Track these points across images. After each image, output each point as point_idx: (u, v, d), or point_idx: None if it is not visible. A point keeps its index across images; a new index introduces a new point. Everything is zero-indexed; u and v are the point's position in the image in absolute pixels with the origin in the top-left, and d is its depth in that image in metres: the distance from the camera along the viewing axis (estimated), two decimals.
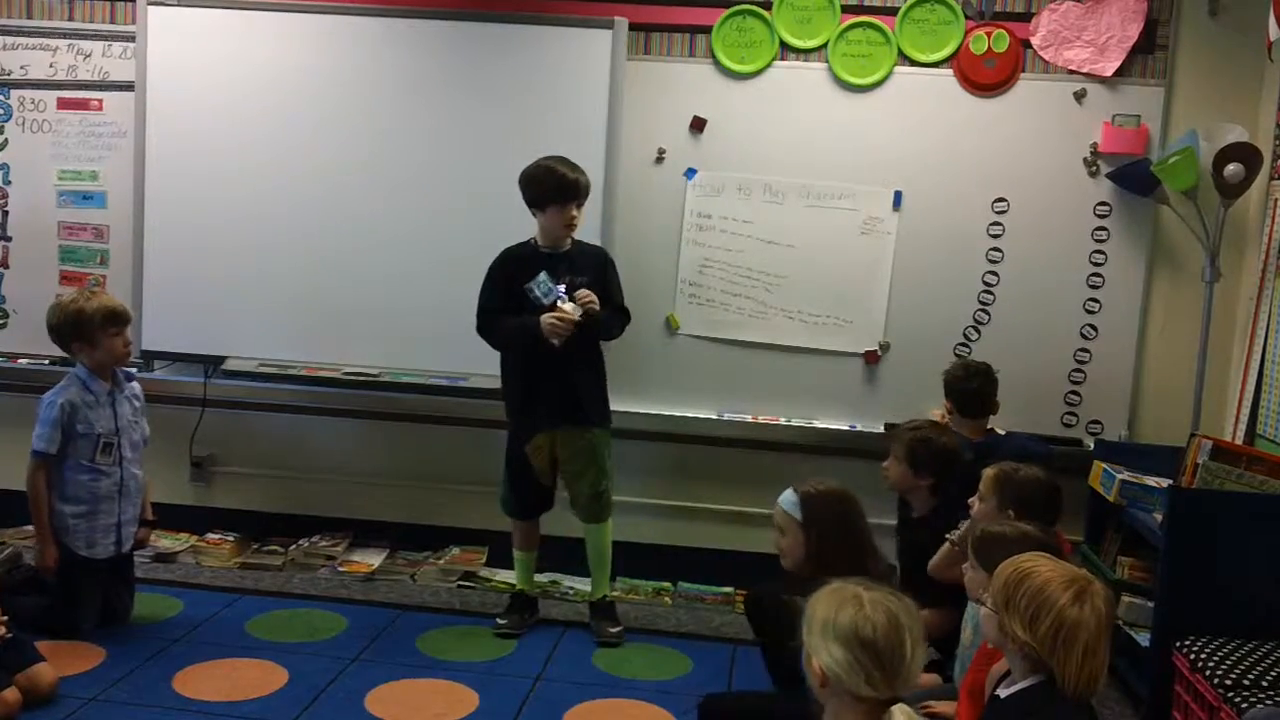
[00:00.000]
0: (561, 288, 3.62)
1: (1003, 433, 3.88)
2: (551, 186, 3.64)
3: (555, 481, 3.84)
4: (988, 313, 4.20)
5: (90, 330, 3.54)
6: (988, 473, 3.06)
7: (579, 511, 3.85)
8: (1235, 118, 3.97)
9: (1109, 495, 3.71)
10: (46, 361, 4.45)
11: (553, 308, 3.59)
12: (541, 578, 4.16)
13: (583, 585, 4.16)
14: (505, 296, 3.69)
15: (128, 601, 3.73)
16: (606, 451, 3.81)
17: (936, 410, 3.95)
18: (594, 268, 3.72)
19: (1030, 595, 1.99)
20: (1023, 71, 4.13)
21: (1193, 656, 3.04)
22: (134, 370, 3.88)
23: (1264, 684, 2.83)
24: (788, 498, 2.96)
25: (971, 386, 3.78)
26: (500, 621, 3.85)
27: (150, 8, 4.22)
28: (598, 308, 3.59)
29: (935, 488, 3.36)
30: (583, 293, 3.59)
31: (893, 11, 4.15)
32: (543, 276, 3.65)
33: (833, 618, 1.80)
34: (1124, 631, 3.52)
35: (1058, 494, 3.00)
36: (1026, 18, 4.13)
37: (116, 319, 3.58)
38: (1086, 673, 1.97)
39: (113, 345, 3.58)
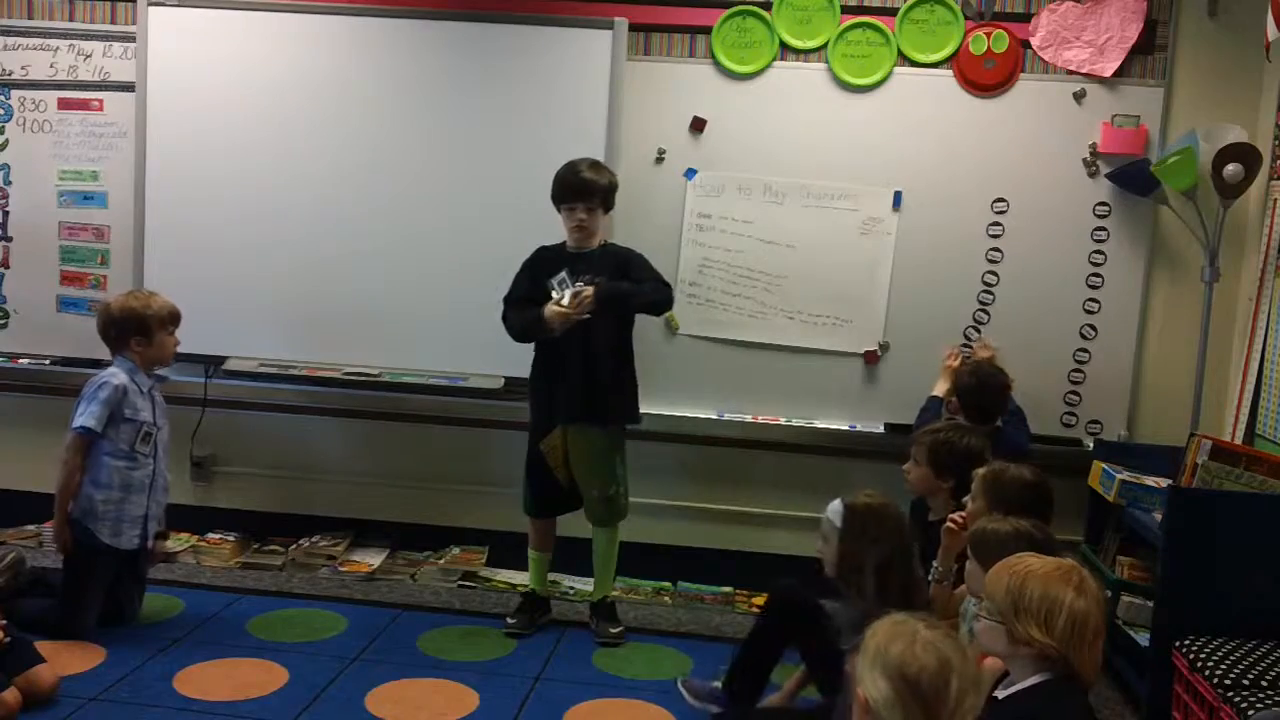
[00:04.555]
0: (579, 285, 3.64)
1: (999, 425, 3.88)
2: (556, 187, 3.70)
3: (573, 482, 3.82)
4: (987, 313, 4.21)
5: (152, 327, 3.65)
6: (977, 473, 3.05)
7: (589, 514, 3.84)
8: (1234, 118, 3.98)
9: (1108, 495, 3.71)
10: (47, 362, 4.46)
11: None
12: None
13: (583, 585, 4.16)
14: (530, 290, 3.74)
15: (137, 601, 3.73)
16: (619, 456, 3.80)
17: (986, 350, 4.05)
18: (615, 267, 3.71)
19: (1039, 597, 1.99)
20: (1022, 72, 4.13)
21: (1192, 656, 3.04)
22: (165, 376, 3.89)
23: (1264, 684, 2.84)
24: (833, 507, 2.91)
25: (981, 401, 3.77)
26: (510, 621, 3.85)
27: (150, 8, 4.23)
28: (590, 302, 3.57)
29: (956, 490, 3.33)
30: (585, 291, 3.59)
31: (892, 12, 4.15)
32: (562, 274, 3.67)
33: (884, 649, 1.77)
34: (1124, 631, 3.53)
35: (1045, 493, 2.98)
36: (1026, 18, 4.13)
37: (176, 319, 3.72)
38: (1093, 661, 1.99)
39: (167, 344, 3.70)
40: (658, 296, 3.74)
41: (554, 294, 3.66)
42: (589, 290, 3.58)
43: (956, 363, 4.03)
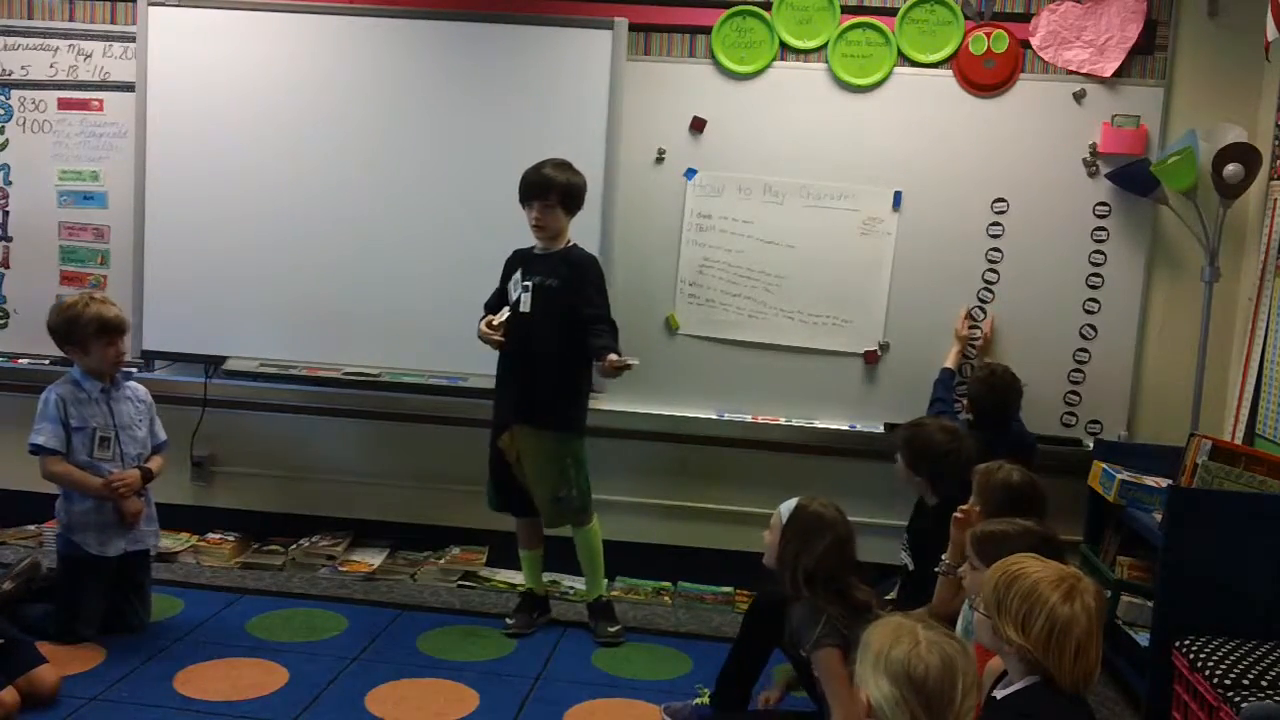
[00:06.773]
0: (528, 284, 3.67)
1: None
2: (519, 185, 3.69)
3: None
4: (987, 312, 4.20)
5: (83, 337, 3.53)
6: (977, 469, 3.10)
7: (541, 516, 3.81)
8: (1234, 118, 3.98)
9: (1108, 495, 3.71)
10: (47, 361, 4.45)
11: (517, 305, 3.68)
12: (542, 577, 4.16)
13: (582, 585, 4.15)
14: (504, 292, 3.78)
15: (142, 614, 3.70)
16: (570, 459, 3.74)
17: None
18: (567, 273, 3.67)
19: (1021, 597, 2.00)
20: (1022, 72, 4.13)
21: (1192, 656, 3.04)
22: (133, 371, 3.86)
23: (1263, 683, 2.84)
24: (787, 503, 3.00)
25: (993, 408, 3.83)
26: (509, 621, 3.86)
27: (150, 8, 4.23)
28: (500, 338, 3.62)
29: (933, 485, 3.41)
30: (498, 326, 3.64)
31: (892, 12, 4.15)
32: (517, 276, 3.71)
33: (886, 651, 1.78)
34: (1124, 631, 3.53)
35: (1029, 497, 2.97)
36: (1026, 18, 4.13)
37: (108, 328, 3.54)
38: (1080, 670, 1.97)
39: (104, 354, 3.56)
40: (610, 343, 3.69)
41: (510, 295, 3.71)
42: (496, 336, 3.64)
43: (966, 331, 4.13)
